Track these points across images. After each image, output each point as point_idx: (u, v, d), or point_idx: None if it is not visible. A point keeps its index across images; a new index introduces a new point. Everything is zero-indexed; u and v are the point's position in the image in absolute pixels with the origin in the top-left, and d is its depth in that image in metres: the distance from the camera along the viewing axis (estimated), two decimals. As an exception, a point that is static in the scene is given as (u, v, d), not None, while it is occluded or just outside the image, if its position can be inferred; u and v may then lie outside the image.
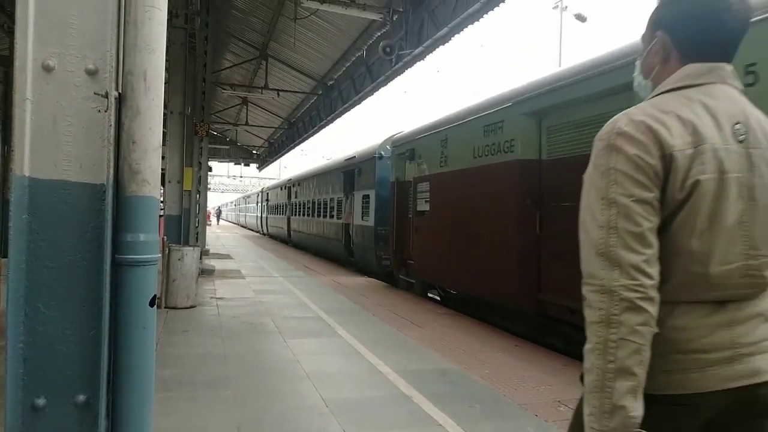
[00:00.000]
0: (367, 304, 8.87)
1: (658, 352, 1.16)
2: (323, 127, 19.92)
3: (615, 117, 1.24)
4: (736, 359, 1.18)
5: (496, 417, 4.01)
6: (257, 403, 4.14)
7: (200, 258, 10.25)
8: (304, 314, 7.78)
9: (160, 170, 2.11)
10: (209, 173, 20.57)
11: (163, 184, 14.22)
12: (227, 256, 17.09)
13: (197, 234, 12.26)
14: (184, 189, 11.03)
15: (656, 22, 1.36)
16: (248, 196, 47.56)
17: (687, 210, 1.18)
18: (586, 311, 1.18)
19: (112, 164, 1.96)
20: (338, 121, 18.58)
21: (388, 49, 10.76)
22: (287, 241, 25.60)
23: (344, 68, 15.78)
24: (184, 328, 6.65)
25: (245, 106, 23.20)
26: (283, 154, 30.08)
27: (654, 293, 1.13)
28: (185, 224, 11.19)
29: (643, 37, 1.40)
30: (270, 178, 53.72)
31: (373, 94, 14.37)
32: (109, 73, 1.97)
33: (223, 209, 75.95)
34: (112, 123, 1.95)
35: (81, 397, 1.89)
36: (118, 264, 1.96)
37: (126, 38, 2.05)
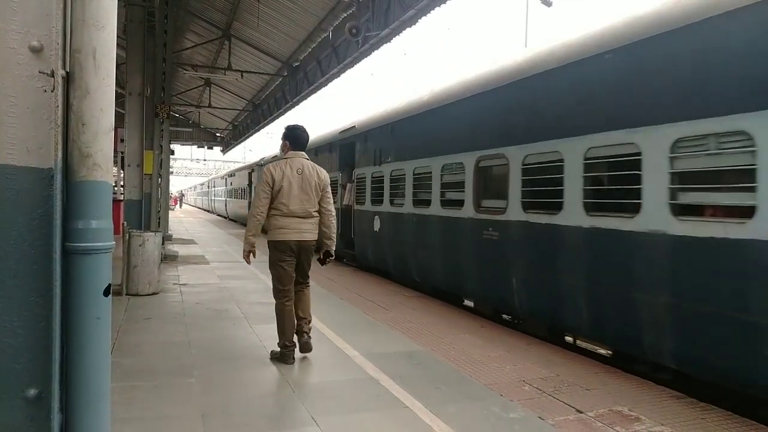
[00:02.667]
0: (335, 288, 8.85)
1: (279, 228, 4.76)
2: (289, 109, 19.63)
3: (271, 163, 4.89)
4: (300, 233, 4.78)
5: (462, 398, 4.06)
6: (222, 390, 4.09)
7: (163, 243, 10.02)
8: (270, 299, 7.68)
9: (112, 154, 2.02)
10: (171, 156, 20.07)
11: (122, 167, 13.81)
12: (191, 241, 16.77)
13: (159, 219, 11.97)
14: (144, 173, 10.71)
15: (285, 137, 5.06)
16: (231, 174, 32.44)
17: (281, 194, 4.72)
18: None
19: (60, 147, 1.86)
20: (304, 103, 18.33)
21: (354, 31, 10.61)
22: (366, 265, 11.02)
23: (310, 49, 15.51)
24: (147, 315, 6.50)
25: (208, 88, 22.63)
26: (247, 137, 29.59)
27: (261, 216, 4.75)
28: (146, 209, 10.89)
29: (282, 141, 5.11)
30: (235, 162, 52.69)
31: (339, 76, 14.19)
32: (55, 51, 1.86)
33: (190, 192, 74.22)
34: (60, 104, 1.85)
35: (32, 391, 1.82)
36: (69, 252, 1.87)
37: (73, 14, 1.94)
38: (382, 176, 9.82)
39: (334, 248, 4.99)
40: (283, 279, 4.81)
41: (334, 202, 5.19)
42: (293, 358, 4.76)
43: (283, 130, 5.04)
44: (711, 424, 3.63)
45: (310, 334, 4.94)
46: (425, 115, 8.33)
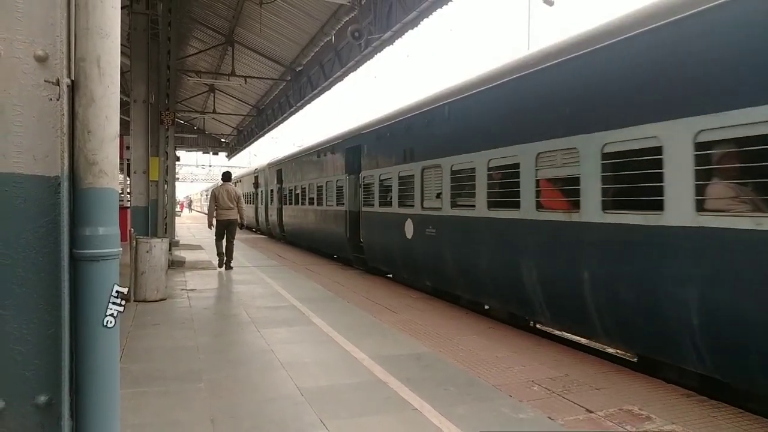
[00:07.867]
0: (342, 291, 8.85)
1: (219, 214, 11.58)
2: (293, 113, 19.66)
3: (215, 187, 12.50)
4: (227, 215, 11.53)
5: (471, 399, 4.05)
6: (231, 394, 4.10)
7: (170, 249, 10.06)
8: (278, 303, 7.72)
9: (118, 161, 2.03)
10: (177, 163, 20.15)
11: (128, 174, 13.88)
12: (198, 247, 16.81)
13: (166, 225, 12.02)
14: (150, 179, 10.77)
15: (222, 177, 12.73)
16: (238, 180, 24.31)
17: (219, 200, 11.51)
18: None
19: (66, 155, 1.88)
20: (308, 107, 18.36)
21: (356, 34, 10.63)
22: None
23: (313, 53, 15.55)
24: (155, 321, 6.53)
25: (212, 94, 22.73)
26: (252, 142, 29.65)
27: (213, 209, 11.67)
28: (152, 215, 10.95)
29: (222, 178, 12.84)
30: (240, 167, 52.77)
31: (342, 80, 14.20)
32: (60, 60, 1.87)
33: (198, 199, 74.95)
34: (65, 112, 1.87)
35: (42, 398, 1.83)
36: (77, 259, 1.88)
37: (77, 23, 1.95)
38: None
39: (244, 222, 12.02)
40: (218, 234, 11.30)
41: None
42: (223, 267, 11.38)
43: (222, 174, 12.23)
44: (722, 422, 3.61)
45: (231, 264, 11.42)
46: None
